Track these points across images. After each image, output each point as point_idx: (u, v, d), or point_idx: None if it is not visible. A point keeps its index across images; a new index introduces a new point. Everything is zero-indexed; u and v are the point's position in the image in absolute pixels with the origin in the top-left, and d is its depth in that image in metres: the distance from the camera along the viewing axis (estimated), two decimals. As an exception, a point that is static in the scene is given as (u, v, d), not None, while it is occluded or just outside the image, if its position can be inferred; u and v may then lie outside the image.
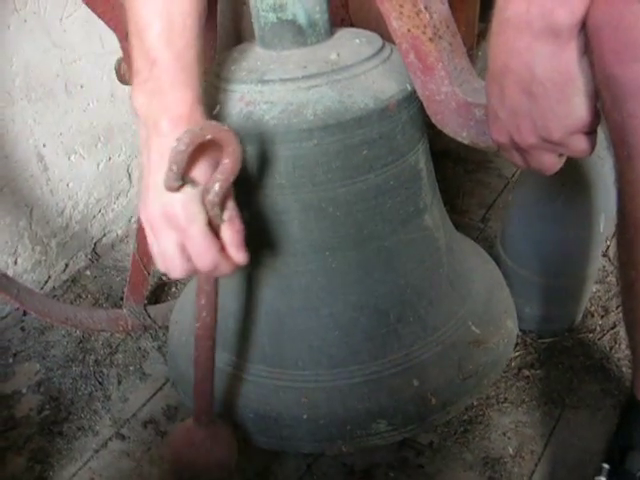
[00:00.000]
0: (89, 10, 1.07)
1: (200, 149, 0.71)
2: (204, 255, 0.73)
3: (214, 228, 0.74)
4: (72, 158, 1.52)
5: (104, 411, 1.26)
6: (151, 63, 0.72)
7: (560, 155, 0.68)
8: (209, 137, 0.70)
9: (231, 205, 0.76)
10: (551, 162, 0.69)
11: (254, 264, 0.96)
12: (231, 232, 0.75)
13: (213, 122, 0.72)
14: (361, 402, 0.96)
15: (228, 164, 0.72)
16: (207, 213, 0.73)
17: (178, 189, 0.71)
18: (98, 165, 1.58)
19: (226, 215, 0.75)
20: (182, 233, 0.73)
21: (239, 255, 0.76)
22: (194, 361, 0.91)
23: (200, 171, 0.73)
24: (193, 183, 0.72)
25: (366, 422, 0.96)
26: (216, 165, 0.73)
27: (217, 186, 0.72)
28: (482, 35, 2.05)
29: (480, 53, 1.99)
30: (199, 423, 0.96)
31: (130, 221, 1.72)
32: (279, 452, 1.09)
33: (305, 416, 0.96)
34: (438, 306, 1.00)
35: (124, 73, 1.20)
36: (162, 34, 0.72)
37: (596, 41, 0.59)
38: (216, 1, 1.10)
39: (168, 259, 0.75)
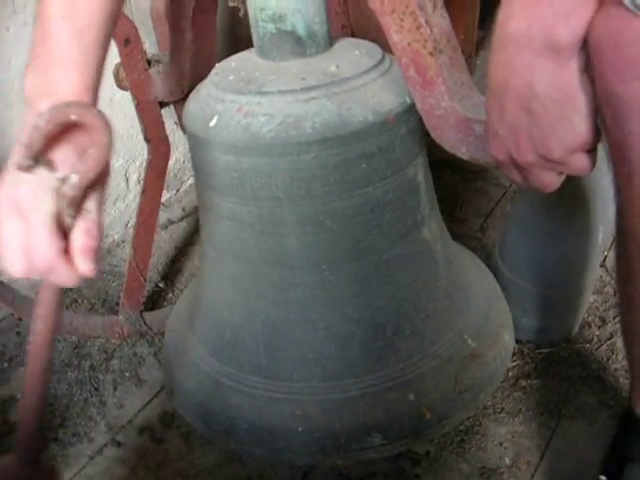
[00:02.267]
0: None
1: (66, 131, 0.63)
2: (41, 252, 0.63)
3: (63, 226, 0.64)
4: (70, 162, 1.51)
5: (99, 417, 1.26)
6: (45, 37, 0.66)
7: (559, 173, 0.68)
8: (74, 117, 0.61)
9: (94, 207, 0.66)
10: (550, 180, 0.68)
11: (251, 276, 0.96)
12: (83, 236, 0.65)
13: (84, 104, 0.64)
14: (356, 415, 0.95)
15: (92, 155, 0.63)
16: (57, 206, 0.63)
17: (29, 170, 0.62)
18: (96, 170, 1.58)
19: (84, 218, 0.65)
20: (25, 221, 0.63)
21: (85, 264, 0.65)
22: (24, 383, 0.76)
23: (63, 157, 0.64)
24: (50, 167, 0.63)
25: (361, 435, 0.95)
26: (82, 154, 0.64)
27: (75, 178, 0.62)
28: (481, 43, 2.05)
29: (479, 62, 1.99)
30: (20, 459, 0.78)
31: (127, 226, 1.72)
32: (273, 462, 1.09)
33: (300, 428, 0.96)
34: (435, 319, 1.00)
35: (122, 78, 1.20)
36: (62, 7, 0.66)
37: (597, 58, 0.59)
38: (215, 7, 1.09)
39: (6, 250, 0.64)
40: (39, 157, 0.62)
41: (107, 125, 0.64)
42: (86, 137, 0.63)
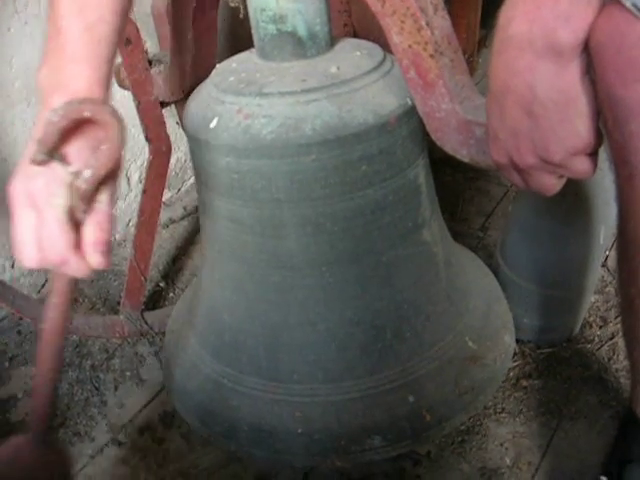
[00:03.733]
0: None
1: (79, 127, 0.64)
2: (54, 245, 0.65)
3: (76, 220, 0.66)
4: (70, 162, 1.51)
5: (100, 417, 1.26)
6: (57, 31, 0.66)
7: (560, 176, 0.68)
8: (87, 114, 0.63)
9: (106, 200, 0.68)
10: (551, 183, 0.68)
11: (251, 277, 0.96)
12: (95, 230, 0.67)
13: (97, 100, 0.65)
14: (356, 417, 0.95)
15: (104, 151, 0.64)
16: (71, 200, 0.64)
17: (44, 164, 0.64)
18: (97, 169, 1.58)
19: (95, 211, 0.67)
20: (39, 215, 0.65)
21: (96, 257, 0.67)
22: (36, 369, 0.80)
23: (77, 152, 0.66)
24: (64, 162, 0.65)
25: (360, 437, 0.95)
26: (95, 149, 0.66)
27: (88, 173, 0.64)
28: (483, 42, 2.05)
29: (480, 60, 1.99)
30: (33, 440, 0.83)
31: (128, 225, 1.72)
32: (274, 463, 1.09)
33: (299, 430, 0.96)
34: (435, 321, 1.00)
35: (123, 78, 1.20)
36: (74, 2, 0.66)
37: (598, 61, 0.58)
38: (216, 7, 1.09)
39: (20, 242, 0.66)
40: (53, 151, 0.64)
41: (120, 122, 0.65)
42: (99, 133, 0.65)
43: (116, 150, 0.65)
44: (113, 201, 0.69)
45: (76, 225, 0.66)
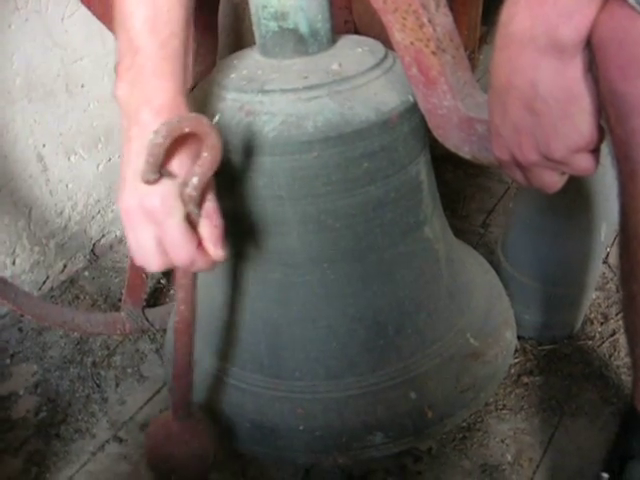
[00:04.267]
0: (90, 11, 1.07)
1: (179, 141, 0.69)
2: (181, 250, 0.72)
3: (192, 222, 0.73)
4: (72, 159, 1.51)
5: (101, 413, 1.26)
6: (134, 51, 0.71)
7: (562, 173, 0.68)
8: (187, 130, 0.68)
9: (211, 199, 0.74)
10: (553, 180, 0.68)
11: (252, 274, 0.96)
12: (209, 227, 0.74)
13: (193, 114, 0.70)
14: (358, 414, 0.96)
15: (207, 158, 0.70)
16: (185, 207, 0.71)
17: (155, 182, 0.69)
18: (98, 166, 1.58)
19: (205, 210, 0.73)
20: (159, 227, 0.71)
21: (216, 251, 0.75)
22: (174, 355, 0.90)
23: (179, 163, 0.71)
24: (171, 176, 0.70)
25: (362, 434, 0.96)
26: (196, 157, 0.71)
27: (196, 180, 0.70)
28: (484, 38, 2.05)
29: (482, 57, 1.99)
30: (176, 417, 0.95)
31: (130, 222, 1.72)
32: (275, 460, 1.09)
33: (301, 427, 0.96)
34: (437, 318, 1.00)
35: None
36: (147, 22, 0.71)
37: (601, 57, 0.58)
38: (218, 3, 1.09)
39: (144, 253, 0.73)
40: (161, 169, 0.69)
41: (217, 131, 0.71)
42: (197, 142, 0.70)
43: (217, 157, 0.71)
44: (216, 196, 0.75)
45: (194, 227, 0.73)
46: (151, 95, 0.71)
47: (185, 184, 0.70)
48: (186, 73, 0.75)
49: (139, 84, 0.71)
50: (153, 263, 0.74)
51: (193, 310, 0.85)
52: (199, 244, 0.74)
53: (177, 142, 0.69)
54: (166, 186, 0.70)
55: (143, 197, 0.70)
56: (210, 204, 0.74)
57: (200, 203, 0.73)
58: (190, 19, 0.76)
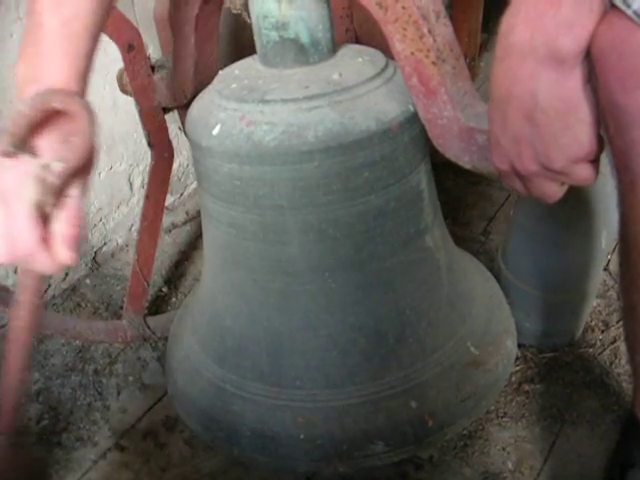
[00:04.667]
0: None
1: (50, 120, 0.63)
2: (22, 240, 0.63)
3: (45, 213, 0.64)
4: (73, 167, 1.51)
5: (103, 421, 1.26)
6: (35, 27, 0.66)
7: (562, 183, 0.68)
8: (57, 105, 0.61)
9: (76, 194, 0.67)
10: (552, 190, 0.68)
11: (253, 283, 0.96)
12: (65, 224, 0.66)
13: (69, 92, 0.64)
14: (358, 423, 0.95)
15: (76, 143, 0.63)
16: (40, 194, 0.63)
17: (13, 156, 0.62)
18: (99, 174, 1.58)
19: (65, 204, 0.66)
20: (7, 209, 0.64)
21: (65, 252, 0.66)
22: (4, 366, 0.79)
23: (47, 146, 0.64)
24: (33, 154, 0.63)
25: (363, 443, 0.96)
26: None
27: (58, 165, 0.62)
28: (485, 46, 2.05)
29: (482, 64, 2.00)
30: (2, 443, 0.84)
31: (130, 230, 1.72)
32: (276, 468, 1.09)
33: (302, 436, 0.96)
34: (437, 327, 1.00)
35: (126, 83, 1.20)
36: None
37: (600, 68, 0.59)
38: (219, 13, 1.09)
39: None
40: (23, 144, 0.62)
41: (91, 113, 0.64)
42: (70, 125, 0.63)
43: (87, 143, 0.64)
44: (85, 195, 0.68)
45: (45, 219, 0.64)
46: (43, 73, 0.65)
47: (46, 167, 0.63)
48: (89, 59, 0.69)
49: (34, 61, 0.66)
50: None
51: (33, 317, 0.75)
52: (44, 239, 0.65)
53: (48, 120, 0.63)
54: (25, 163, 0.63)
55: None
56: (74, 202, 0.67)
57: (60, 194, 0.65)
58: (100, 8, 0.70)
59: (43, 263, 0.66)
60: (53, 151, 0.64)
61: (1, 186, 0.64)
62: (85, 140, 0.63)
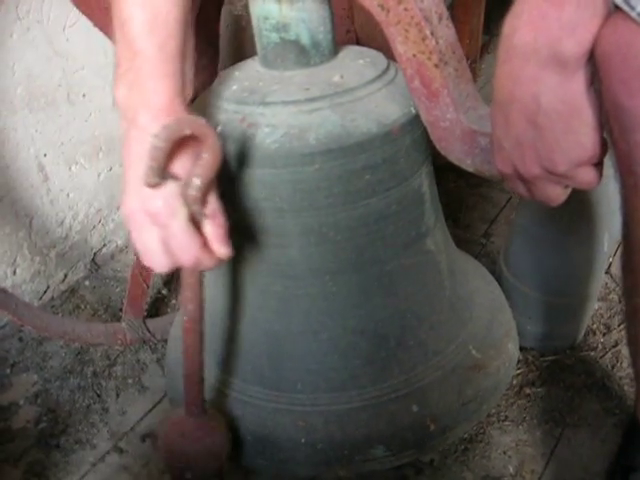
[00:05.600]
0: (91, 21, 1.07)
1: (179, 143, 0.70)
2: (186, 250, 0.73)
3: (196, 223, 0.74)
4: (73, 168, 1.51)
5: (102, 424, 1.25)
6: (133, 53, 0.71)
7: (565, 186, 0.67)
8: (187, 132, 0.69)
9: (213, 199, 0.75)
10: (556, 194, 0.68)
11: (253, 286, 0.96)
12: (213, 227, 0.75)
13: (191, 116, 0.72)
14: (359, 427, 0.95)
15: (207, 158, 0.71)
16: (188, 208, 0.72)
17: (158, 185, 0.70)
18: (99, 175, 1.58)
19: (208, 210, 0.74)
20: (164, 229, 0.72)
21: (221, 250, 0.76)
22: (183, 354, 0.90)
23: (180, 165, 0.72)
24: (173, 178, 0.71)
25: (364, 447, 0.95)
26: (196, 158, 0.72)
27: (198, 181, 0.70)
28: (486, 47, 2.05)
29: (484, 66, 1.99)
30: (189, 414, 0.95)
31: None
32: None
33: (302, 440, 0.96)
34: (439, 330, 0.99)
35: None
36: (145, 24, 0.71)
37: (604, 71, 0.58)
38: (219, 15, 1.09)
39: (151, 255, 0.75)
40: (163, 172, 0.70)
41: (215, 132, 0.72)
42: (196, 143, 0.71)
43: (217, 157, 0.72)
44: (218, 196, 0.76)
45: (197, 227, 0.74)
46: (149, 97, 0.71)
47: (187, 185, 0.71)
48: (184, 76, 0.75)
49: (137, 86, 0.71)
50: (160, 264, 0.75)
51: (201, 309, 0.86)
52: (204, 243, 0.75)
53: (177, 144, 0.70)
54: (168, 188, 0.71)
55: (146, 200, 0.72)
56: (213, 205, 0.75)
57: (203, 203, 0.73)
58: (188, 21, 0.76)
59: (207, 263, 0.77)
60: (186, 169, 0.72)
61: (151, 212, 0.72)
62: (215, 156, 0.71)
